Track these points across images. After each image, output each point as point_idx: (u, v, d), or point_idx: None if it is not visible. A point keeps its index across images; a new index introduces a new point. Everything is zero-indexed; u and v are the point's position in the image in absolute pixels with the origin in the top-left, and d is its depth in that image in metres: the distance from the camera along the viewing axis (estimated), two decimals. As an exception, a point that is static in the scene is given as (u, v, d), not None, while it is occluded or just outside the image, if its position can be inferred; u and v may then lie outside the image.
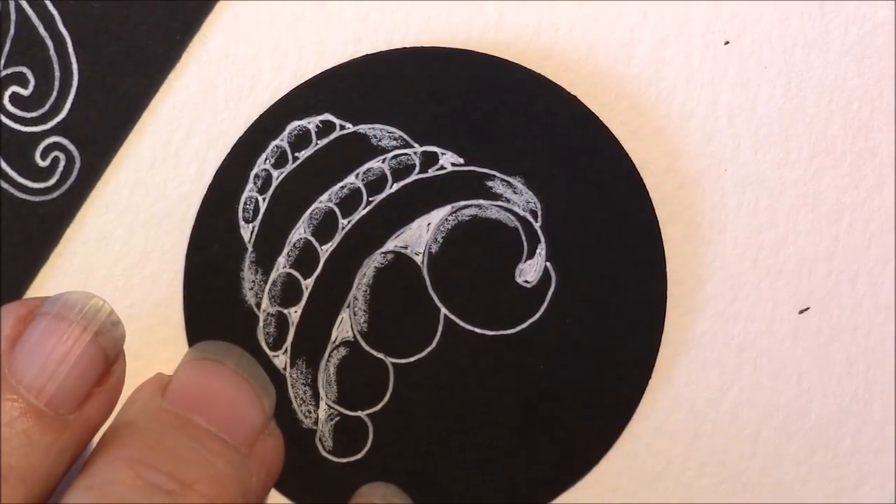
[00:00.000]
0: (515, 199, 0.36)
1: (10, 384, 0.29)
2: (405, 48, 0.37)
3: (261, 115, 0.37)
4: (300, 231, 0.36)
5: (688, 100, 0.38)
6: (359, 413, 0.36)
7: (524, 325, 0.36)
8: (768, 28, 0.38)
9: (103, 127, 0.37)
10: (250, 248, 0.36)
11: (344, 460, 0.36)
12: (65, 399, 0.29)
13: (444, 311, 0.36)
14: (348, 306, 0.36)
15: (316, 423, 0.36)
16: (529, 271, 0.36)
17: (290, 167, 0.36)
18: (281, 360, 0.36)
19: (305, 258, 0.36)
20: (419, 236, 0.36)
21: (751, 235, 0.38)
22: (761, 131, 0.38)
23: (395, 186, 0.36)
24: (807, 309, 0.38)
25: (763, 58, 0.38)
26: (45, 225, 0.37)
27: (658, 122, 0.37)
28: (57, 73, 0.37)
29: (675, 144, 0.37)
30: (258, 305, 0.36)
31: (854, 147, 0.38)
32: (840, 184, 0.38)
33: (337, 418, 0.36)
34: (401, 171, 0.36)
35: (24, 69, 0.37)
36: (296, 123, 0.37)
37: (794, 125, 0.38)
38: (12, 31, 0.36)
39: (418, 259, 0.36)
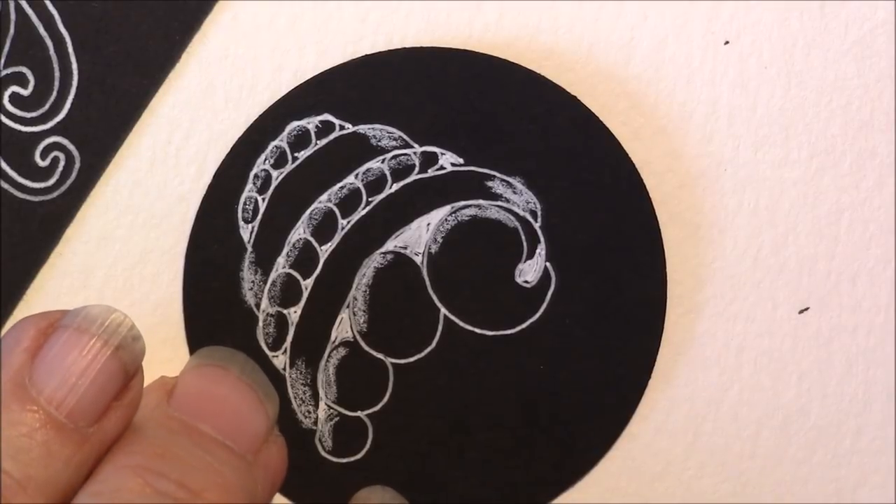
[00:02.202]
0: (515, 199, 0.36)
1: (30, 395, 0.29)
2: (405, 48, 0.37)
3: (260, 116, 0.37)
4: (300, 231, 0.36)
5: (688, 100, 0.38)
6: (358, 413, 0.36)
7: (524, 326, 0.36)
8: (768, 28, 0.38)
9: (103, 127, 0.37)
10: (250, 249, 0.36)
11: (343, 460, 0.36)
12: (84, 412, 0.29)
13: (443, 311, 0.36)
14: (348, 306, 0.36)
15: (315, 423, 0.36)
16: (529, 271, 0.36)
17: (289, 167, 0.36)
18: (280, 360, 0.36)
19: (305, 258, 0.36)
20: (419, 236, 0.36)
21: (751, 235, 0.38)
22: (761, 131, 0.38)
23: (395, 187, 0.36)
24: (807, 309, 0.38)
25: (763, 58, 0.38)
26: (45, 225, 0.37)
27: (658, 122, 0.37)
28: (57, 73, 0.37)
29: (675, 144, 0.37)
30: (258, 306, 0.36)
31: (854, 147, 0.38)
32: (840, 184, 0.38)
33: (336, 418, 0.36)
34: (400, 172, 0.36)
35: (24, 69, 0.37)
36: (295, 124, 0.37)
37: (794, 125, 0.38)
38: (12, 31, 0.36)
39: (418, 259, 0.36)
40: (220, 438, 0.31)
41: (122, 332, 0.30)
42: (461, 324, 0.36)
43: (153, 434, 0.30)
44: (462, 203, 0.36)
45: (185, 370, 0.32)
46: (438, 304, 0.36)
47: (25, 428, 0.29)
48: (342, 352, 0.36)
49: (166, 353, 0.36)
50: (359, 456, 0.36)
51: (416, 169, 0.36)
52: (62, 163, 0.37)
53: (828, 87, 0.38)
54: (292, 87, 0.37)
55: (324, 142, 0.37)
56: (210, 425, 0.31)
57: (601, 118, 0.37)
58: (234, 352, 0.33)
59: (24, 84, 0.37)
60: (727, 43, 0.38)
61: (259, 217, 0.36)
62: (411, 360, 0.36)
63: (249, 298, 0.36)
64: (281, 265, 0.36)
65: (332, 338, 0.36)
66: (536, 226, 0.36)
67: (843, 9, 0.38)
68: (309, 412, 0.36)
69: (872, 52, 0.38)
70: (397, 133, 0.36)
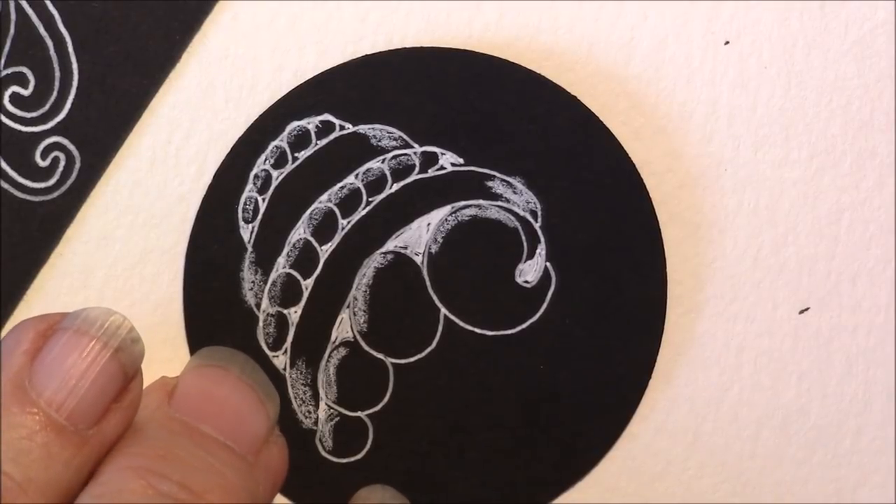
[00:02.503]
0: (515, 199, 0.36)
1: (30, 398, 0.29)
2: (405, 48, 0.37)
3: (260, 116, 0.37)
4: (300, 231, 0.36)
5: (688, 100, 0.38)
6: (359, 413, 0.36)
7: (524, 326, 0.36)
8: (768, 28, 0.38)
9: (103, 127, 0.37)
10: (250, 249, 0.36)
11: (344, 460, 0.36)
12: (84, 414, 0.29)
13: (443, 311, 0.36)
14: (348, 306, 0.36)
15: (316, 423, 0.36)
16: (529, 271, 0.36)
17: (289, 167, 0.36)
18: (281, 360, 0.36)
19: (305, 258, 0.36)
20: (419, 236, 0.36)
21: (751, 235, 0.38)
22: (761, 131, 0.38)
23: (395, 187, 0.36)
24: (807, 309, 0.38)
25: (763, 58, 0.38)
26: (45, 225, 0.37)
27: (658, 122, 0.37)
28: (57, 73, 0.37)
29: (675, 144, 0.37)
30: (258, 306, 0.36)
31: (854, 147, 0.38)
32: (840, 184, 0.38)
33: (337, 419, 0.36)
34: (400, 172, 0.36)
35: (24, 69, 0.37)
36: (295, 124, 0.37)
37: (794, 125, 0.38)
38: (12, 31, 0.36)
39: (418, 259, 0.36)
40: (221, 439, 0.31)
41: (121, 335, 0.30)
42: (461, 324, 0.36)
43: (155, 435, 0.30)
44: (462, 203, 0.36)
45: (186, 371, 0.32)
46: (439, 304, 0.36)
47: (25, 430, 0.29)
48: (342, 352, 0.36)
49: (166, 353, 0.36)
50: (359, 456, 0.36)
51: (417, 169, 0.36)
52: (62, 163, 0.37)
53: (828, 87, 0.38)
54: (292, 87, 0.37)
55: (324, 142, 0.37)
56: (211, 426, 0.31)
57: (601, 118, 0.37)
58: (235, 352, 0.33)
59: (24, 84, 0.37)
60: (727, 43, 0.38)
61: (259, 217, 0.36)
62: (411, 360, 0.36)
63: (250, 298, 0.36)
64: (281, 265, 0.36)
65: (333, 338, 0.36)
66: (536, 226, 0.36)
67: (843, 9, 0.38)
68: (309, 412, 0.36)
69: (872, 52, 0.38)
70: (397, 133, 0.36)
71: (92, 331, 0.30)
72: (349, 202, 0.36)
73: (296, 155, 0.36)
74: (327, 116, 0.37)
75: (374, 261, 0.36)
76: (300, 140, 0.36)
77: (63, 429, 0.29)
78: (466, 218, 0.36)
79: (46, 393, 0.29)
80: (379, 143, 0.36)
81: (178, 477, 0.29)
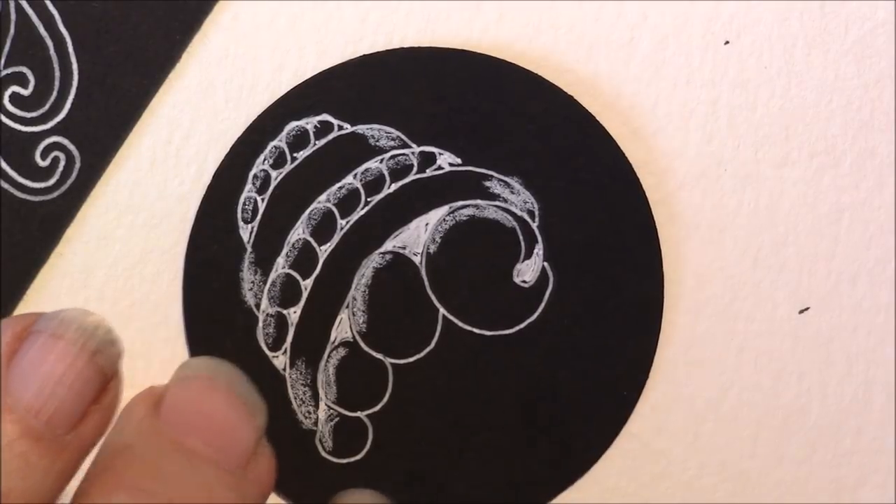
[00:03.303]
0: (513, 199, 0.36)
1: (7, 404, 0.29)
2: (404, 48, 0.37)
3: (259, 116, 0.37)
4: (299, 231, 0.36)
5: (688, 100, 0.38)
6: (358, 413, 0.36)
7: (522, 326, 0.36)
8: (768, 28, 0.38)
9: (103, 127, 0.37)
10: (249, 249, 0.36)
11: (344, 461, 0.37)
12: (62, 419, 0.29)
13: (442, 311, 0.36)
14: (347, 307, 0.36)
15: (316, 423, 0.36)
16: (527, 271, 0.36)
17: (288, 168, 0.36)
18: (280, 360, 0.36)
19: (304, 259, 0.36)
20: (417, 236, 0.36)
21: (751, 235, 0.38)
22: (761, 131, 0.38)
23: (393, 187, 0.36)
24: (807, 309, 0.38)
25: (763, 58, 0.38)
26: (45, 225, 0.37)
27: (658, 122, 0.37)
28: (57, 73, 0.37)
29: (675, 144, 0.37)
30: (257, 306, 0.36)
31: (854, 147, 0.38)
32: (840, 184, 0.38)
33: (336, 419, 0.36)
34: (399, 172, 0.36)
35: (24, 69, 0.37)
36: (294, 124, 0.37)
37: (794, 125, 0.38)
38: (12, 31, 0.36)
39: (416, 259, 0.36)
40: (208, 453, 0.30)
41: (98, 336, 0.29)
42: (460, 324, 0.36)
43: (142, 451, 0.30)
44: (460, 203, 0.36)
45: (172, 382, 0.31)
46: (437, 305, 0.36)
47: (5, 439, 0.28)
48: (342, 352, 0.36)
49: (166, 353, 0.37)
50: (359, 456, 0.36)
51: (415, 169, 0.36)
52: (62, 163, 0.37)
53: (828, 87, 0.38)
54: (291, 87, 0.37)
55: (322, 142, 0.37)
56: (199, 440, 0.30)
57: (601, 118, 0.37)
58: (221, 362, 0.32)
59: (24, 84, 0.37)
60: (727, 43, 0.38)
61: (258, 217, 0.36)
62: (411, 360, 0.36)
63: (249, 299, 0.36)
64: (280, 265, 0.36)
65: (332, 338, 0.36)
66: (534, 226, 0.36)
67: (843, 9, 0.38)
68: (309, 413, 0.36)
69: (872, 52, 0.38)
70: (395, 133, 0.36)
71: (68, 333, 0.29)
72: (348, 202, 0.36)
73: (294, 155, 0.37)
74: (326, 116, 0.37)
75: (373, 261, 0.36)
76: (299, 140, 0.37)
77: (41, 436, 0.28)
78: (464, 218, 0.36)
79: (24, 398, 0.28)
80: (377, 143, 0.36)
81: (166, 494, 0.29)
